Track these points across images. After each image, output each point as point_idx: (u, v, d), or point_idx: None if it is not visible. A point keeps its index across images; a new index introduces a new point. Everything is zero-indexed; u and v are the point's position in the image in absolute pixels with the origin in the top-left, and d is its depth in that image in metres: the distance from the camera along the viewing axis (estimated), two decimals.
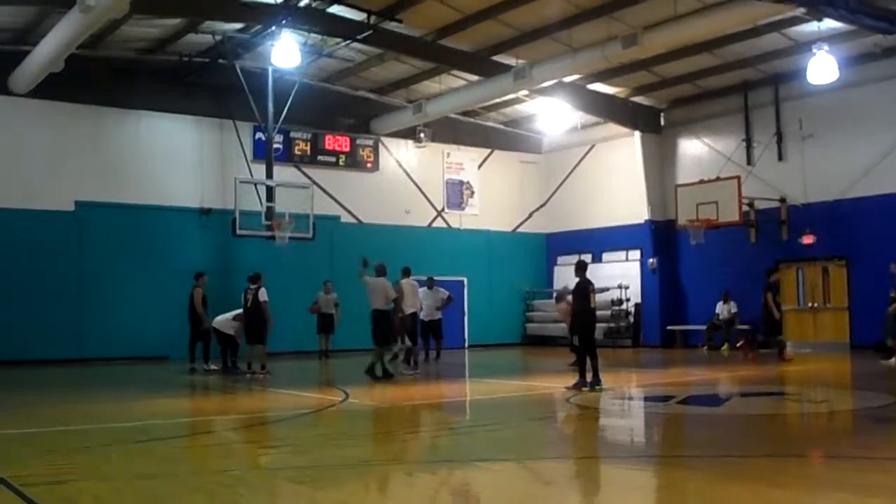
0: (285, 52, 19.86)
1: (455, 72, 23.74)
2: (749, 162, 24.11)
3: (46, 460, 7.99)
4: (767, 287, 19.56)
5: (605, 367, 16.22)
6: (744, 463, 7.54)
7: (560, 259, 29.03)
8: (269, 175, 22.47)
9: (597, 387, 13.19)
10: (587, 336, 13.55)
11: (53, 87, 20.44)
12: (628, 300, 26.10)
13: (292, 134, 24.72)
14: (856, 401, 12.72)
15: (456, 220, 27.94)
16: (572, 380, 13.71)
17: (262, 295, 16.78)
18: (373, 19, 19.87)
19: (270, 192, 22.08)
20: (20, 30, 19.92)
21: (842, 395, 13.74)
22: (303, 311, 21.84)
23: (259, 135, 23.56)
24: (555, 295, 21.85)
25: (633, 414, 11.59)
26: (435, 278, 20.99)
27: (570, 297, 14.63)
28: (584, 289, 13.58)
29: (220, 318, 18.04)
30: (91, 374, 18.72)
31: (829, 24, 18.84)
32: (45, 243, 21.27)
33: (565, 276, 28.63)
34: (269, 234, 21.73)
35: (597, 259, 26.79)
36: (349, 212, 25.82)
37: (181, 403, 13.42)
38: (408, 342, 17.84)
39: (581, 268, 13.76)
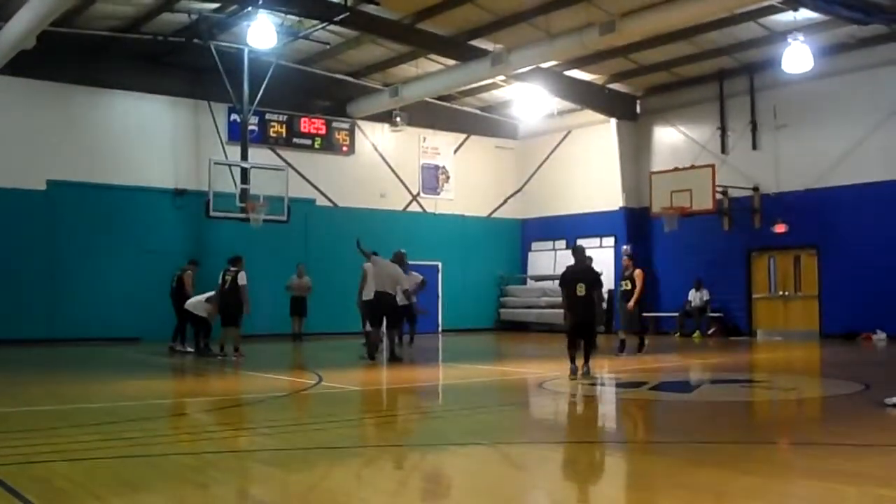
0: (261, 33, 19.69)
1: (432, 56, 23.68)
2: (723, 150, 24.26)
3: (18, 440, 7.93)
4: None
5: (578, 353, 16.33)
6: (714, 449, 7.61)
7: (534, 245, 29.13)
8: (244, 157, 22.33)
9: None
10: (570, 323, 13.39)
11: (25, 65, 20.20)
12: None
13: (268, 116, 24.59)
14: (825, 388, 12.86)
15: (431, 204, 27.93)
16: (558, 368, 13.68)
17: (242, 278, 16.70)
18: (350, 1, 19.79)
19: (245, 173, 21.95)
20: None
21: (811, 382, 13.89)
22: (276, 294, 21.79)
23: (234, 116, 23.42)
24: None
25: (606, 400, 11.66)
26: (408, 262, 20.91)
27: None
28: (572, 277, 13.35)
29: (192, 300, 17.93)
30: (62, 355, 18.59)
31: (804, 13, 18.96)
32: (16, 222, 21.08)
33: (540, 262, 28.81)
34: (244, 216, 21.61)
35: (571, 246, 26.80)
36: (324, 195, 25.75)
37: (153, 385, 13.35)
38: (368, 327, 17.73)
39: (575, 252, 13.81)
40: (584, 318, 13.22)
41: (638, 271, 17.46)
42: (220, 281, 17.12)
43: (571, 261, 14.01)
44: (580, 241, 17.24)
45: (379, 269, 16.16)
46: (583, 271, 13.46)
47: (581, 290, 13.05)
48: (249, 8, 19.51)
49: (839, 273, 21.87)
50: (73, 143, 21.99)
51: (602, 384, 12.93)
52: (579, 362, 13.16)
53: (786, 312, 23.40)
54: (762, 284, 23.76)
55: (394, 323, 16.57)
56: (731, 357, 18.20)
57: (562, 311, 13.97)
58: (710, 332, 23.72)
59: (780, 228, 22.70)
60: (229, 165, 22.09)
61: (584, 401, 11.52)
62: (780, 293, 23.40)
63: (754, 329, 23.70)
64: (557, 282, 14.48)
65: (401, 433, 9.26)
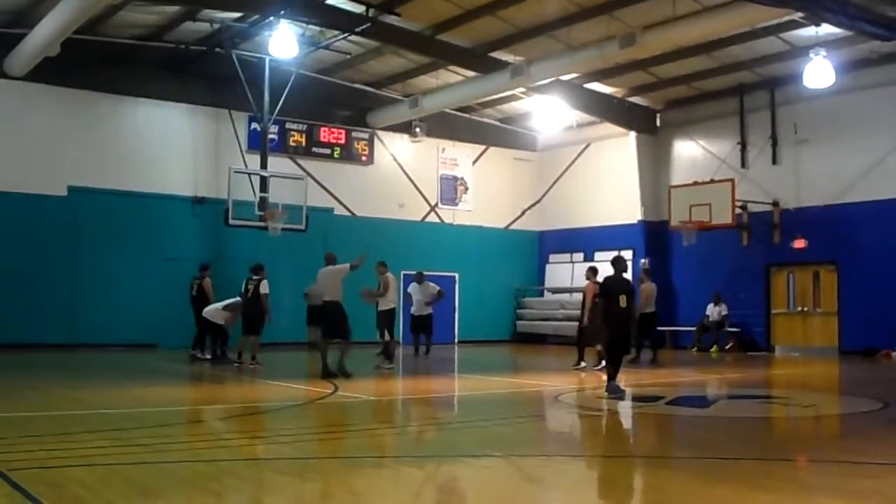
0: (283, 42, 19.80)
1: (452, 67, 23.72)
2: (743, 165, 24.15)
3: (34, 445, 7.97)
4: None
5: (594, 366, 16.28)
6: (731, 465, 7.55)
7: (552, 257, 29.07)
8: (264, 165, 22.41)
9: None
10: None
11: (49, 71, 20.38)
12: None
13: (288, 125, 24.67)
14: (844, 405, 12.76)
15: (449, 215, 27.93)
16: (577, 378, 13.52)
17: (264, 287, 16.83)
18: (371, 12, 19.83)
19: (264, 182, 22.03)
20: (17, 12, 19.80)
21: (830, 399, 13.78)
22: (294, 302, 21.80)
23: (254, 125, 23.51)
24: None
25: (622, 413, 11.60)
26: (425, 273, 20.95)
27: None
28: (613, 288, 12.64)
29: (209, 307, 18.00)
30: (81, 360, 18.68)
31: (826, 28, 18.86)
32: (37, 228, 21.18)
33: (557, 274, 28.75)
34: (262, 224, 21.67)
35: (589, 258, 26.80)
36: (343, 204, 25.79)
37: (170, 392, 13.39)
38: (386, 336, 17.73)
39: (615, 263, 12.82)
40: (625, 332, 12.72)
41: (589, 284, 16.73)
42: (243, 289, 17.25)
43: (587, 273, 13.82)
44: (598, 254, 17.23)
45: (325, 278, 15.49)
46: (626, 282, 12.79)
47: (623, 301, 12.47)
48: (272, 18, 19.61)
49: (858, 289, 21.71)
50: (95, 150, 22.12)
51: (622, 398, 12.86)
52: (621, 377, 12.74)
53: (804, 328, 23.24)
54: (781, 300, 23.61)
55: (333, 331, 15.34)
56: (748, 372, 18.09)
57: (577, 323, 13.72)
58: (727, 346, 23.58)
59: (799, 244, 22.56)
60: (249, 174, 22.18)
61: (601, 414, 11.47)
62: (799, 309, 23.24)
63: (772, 344, 23.55)
64: (579, 294, 14.20)
65: (416, 443, 9.25)
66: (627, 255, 26.21)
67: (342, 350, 15.18)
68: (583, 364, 17.08)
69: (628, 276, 12.97)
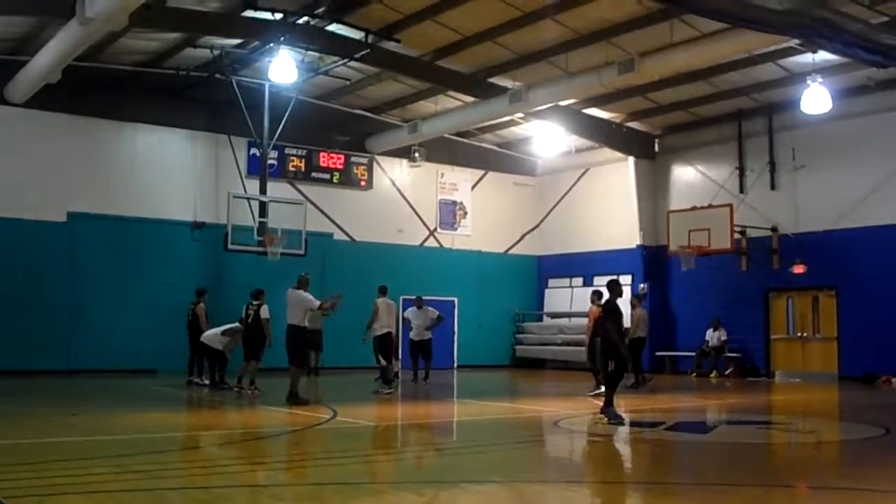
0: (282, 68, 19.89)
1: (451, 92, 23.81)
2: (741, 190, 24.20)
3: (32, 472, 7.94)
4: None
5: (594, 391, 16.23)
6: (731, 491, 7.53)
7: (551, 282, 29.06)
8: (263, 190, 22.47)
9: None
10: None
11: (49, 98, 20.45)
12: None
13: (287, 150, 24.74)
14: (844, 432, 12.72)
15: (448, 240, 27.95)
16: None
17: (264, 312, 16.81)
18: (371, 38, 19.94)
19: (263, 207, 22.08)
20: (18, 39, 19.91)
21: (830, 425, 13.74)
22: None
23: (254, 150, 23.58)
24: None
25: (622, 439, 11.57)
26: (424, 298, 20.94)
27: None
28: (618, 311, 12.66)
29: (208, 332, 17.97)
30: (79, 386, 18.64)
31: (823, 55, 18.97)
32: (37, 253, 21.20)
33: (556, 299, 28.73)
34: (262, 249, 21.71)
35: (588, 283, 26.80)
36: (342, 229, 25.82)
37: (169, 418, 13.35)
38: (382, 361, 17.72)
39: (612, 288, 12.75)
40: (628, 356, 12.87)
41: (593, 308, 16.85)
42: (243, 314, 17.23)
43: (592, 297, 13.73)
44: (596, 279, 17.21)
45: (290, 301, 15.18)
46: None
47: (622, 326, 12.70)
48: (271, 44, 19.72)
49: (858, 315, 21.69)
50: (95, 176, 22.17)
51: (622, 423, 12.82)
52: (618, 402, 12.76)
53: (804, 354, 23.20)
54: (780, 325, 23.59)
55: (290, 356, 14.98)
56: (748, 398, 18.04)
57: (581, 348, 13.62)
58: (727, 372, 23.53)
59: (798, 269, 22.55)
60: (248, 199, 22.23)
61: (601, 440, 11.43)
62: (799, 334, 23.21)
63: (772, 370, 23.49)
64: (580, 319, 14.13)
65: (415, 469, 9.22)
66: (626, 279, 26.27)
67: (293, 377, 14.80)
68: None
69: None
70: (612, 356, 12.50)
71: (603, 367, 12.93)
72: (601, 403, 12.62)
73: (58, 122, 21.73)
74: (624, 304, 13.58)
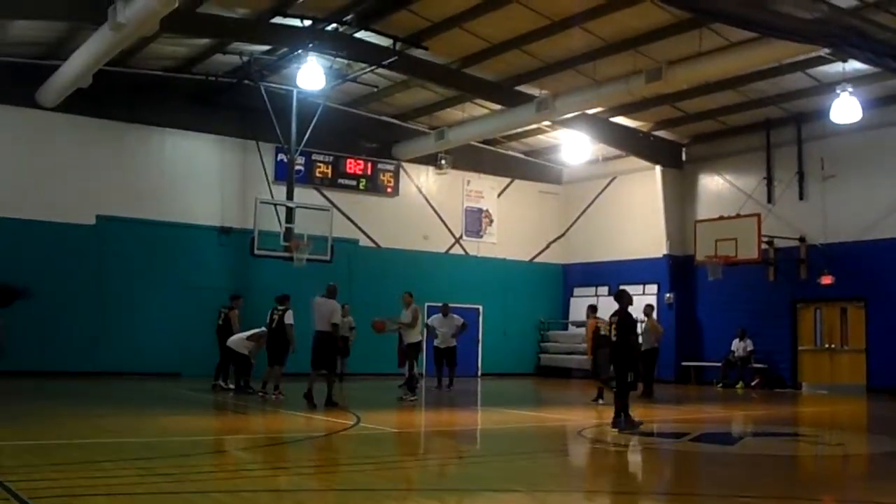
0: (311, 75, 20.02)
1: (478, 100, 23.84)
2: (769, 200, 24.04)
3: (58, 473, 8.00)
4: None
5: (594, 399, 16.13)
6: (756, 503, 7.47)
7: (576, 290, 28.96)
8: (290, 196, 22.58)
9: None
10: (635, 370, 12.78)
11: (80, 102, 20.69)
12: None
13: (314, 156, 24.84)
14: (872, 445, 12.58)
15: (474, 247, 27.95)
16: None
17: (289, 318, 16.84)
18: (398, 46, 20.01)
19: (290, 213, 22.19)
20: (51, 44, 20.14)
21: (858, 438, 13.60)
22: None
23: (281, 156, 23.71)
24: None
25: (646, 449, 11.50)
26: (450, 305, 20.93)
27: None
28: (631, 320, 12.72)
29: (234, 337, 18.04)
30: (105, 388, 18.75)
31: (853, 65, 18.83)
32: (65, 256, 21.39)
33: (581, 308, 28.57)
34: (287, 255, 21.80)
35: (613, 292, 26.65)
36: (368, 236, 25.88)
37: (194, 421, 13.41)
38: (415, 368, 17.72)
39: (621, 297, 12.90)
40: (638, 366, 12.86)
41: (590, 321, 17.74)
42: (268, 320, 17.29)
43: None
44: (624, 288, 16.98)
45: (319, 308, 15.37)
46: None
47: (636, 334, 12.74)
48: (300, 51, 19.84)
49: (887, 326, 21.45)
50: (123, 180, 22.36)
51: (643, 434, 12.75)
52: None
53: (832, 365, 22.98)
54: (808, 336, 23.38)
55: (327, 364, 15.34)
56: (775, 409, 17.88)
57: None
58: (753, 383, 23.35)
59: (826, 280, 22.36)
60: (275, 205, 22.36)
61: (624, 450, 11.37)
62: (827, 346, 23.00)
63: (799, 382, 23.29)
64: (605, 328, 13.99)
65: (438, 476, 9.20)
66: (652, 288, 26.17)
67: (328, 382, 15.18)
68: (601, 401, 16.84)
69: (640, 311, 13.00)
70: (628, 365, 12.47)
71: (619, 377, 12.77)
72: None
73: (88, 126, 21.94)
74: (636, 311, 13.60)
